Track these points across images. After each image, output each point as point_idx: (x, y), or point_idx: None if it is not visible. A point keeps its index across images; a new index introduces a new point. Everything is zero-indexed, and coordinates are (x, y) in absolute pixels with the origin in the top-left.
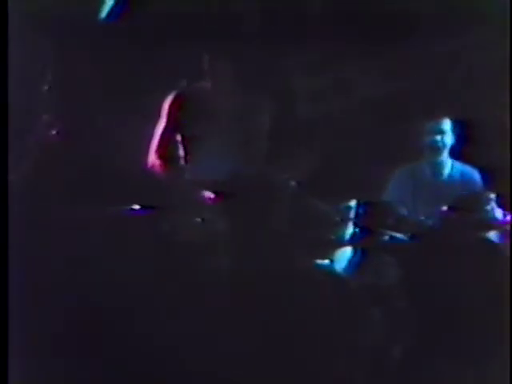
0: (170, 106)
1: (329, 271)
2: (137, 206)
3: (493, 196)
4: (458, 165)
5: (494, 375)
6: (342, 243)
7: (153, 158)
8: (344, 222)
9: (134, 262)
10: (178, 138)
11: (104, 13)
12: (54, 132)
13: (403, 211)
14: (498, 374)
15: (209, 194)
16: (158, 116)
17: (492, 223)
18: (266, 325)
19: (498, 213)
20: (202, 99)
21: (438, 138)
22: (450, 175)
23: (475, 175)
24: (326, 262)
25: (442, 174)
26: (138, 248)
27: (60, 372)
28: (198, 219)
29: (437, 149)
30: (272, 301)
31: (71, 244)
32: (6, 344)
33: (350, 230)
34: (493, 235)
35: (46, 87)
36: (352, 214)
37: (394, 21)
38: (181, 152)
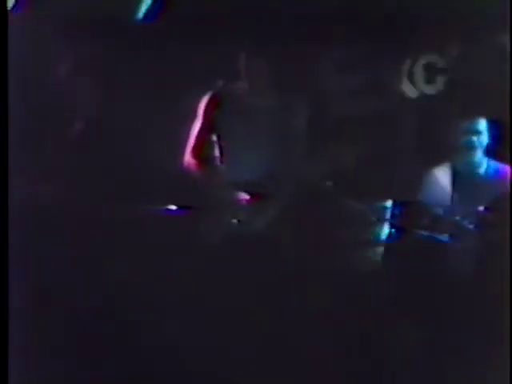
0: (206, 107)
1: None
2: (173, 207)
3: None
4: (494, 164)
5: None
6: (378, 243)
7: (189, 158)
8: (380, 222)
9: (169, 261)
10: (214, 138)
11: (141, 13)
12: (91, 133)
13: (439, 211)
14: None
15: (244, 195)
16: (194, 116)
17: None
18: (305, 323)
19: None
20: (238, 99)
21: (474, 138)
22: (486, 174)
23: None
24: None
25: (477, 174)
26: (174, 248)
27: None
28: (234, 220)
29: (472, 148)
30: (307, 300)
31: (106, 243)
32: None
33: (385, 229)
34: None
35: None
36: (388, 214)
37: (431, 22)
38: (216, 152)
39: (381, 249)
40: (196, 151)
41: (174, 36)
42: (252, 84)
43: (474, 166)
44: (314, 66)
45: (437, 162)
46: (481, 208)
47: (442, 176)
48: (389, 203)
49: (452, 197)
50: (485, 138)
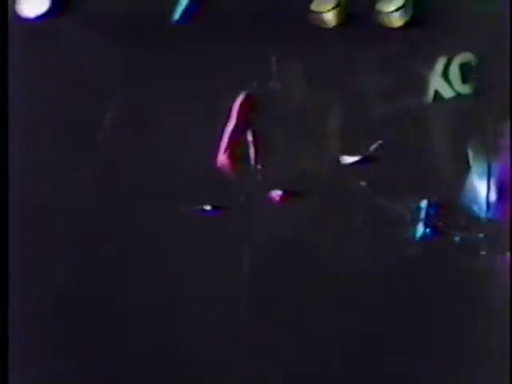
0: (241, 106)
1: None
2: (208, 207)
3: None
4: None
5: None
6: (413, 243)
7: (222, 158)
8: (414, 222)
9: (204, 262)
10: (249, 137)
11: (177, 15)
12: (128, 133)
13: (475, 212)
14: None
15: (278, 194)
16: (227, 116)
17: None
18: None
19: None
20: (273, 99)
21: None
22: None
23: None
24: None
25: None
26: (208, 248)
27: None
28: (267, 219)
29: (509, 149)
30: (343, 302)
31: (143, 244)
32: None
33: (420, 230)
34: None
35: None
36: (423, 215)
37: (468, 21)
38: (251, 151)
39: (416, 249)
40: (230, 151)
41: (208, 37)
42: (287, 83)
43: None
44: (350, 66)
45: (474, 161)
46: None
47: (480, 176)
48: (424, 203)
49: (488, 197)
50: None
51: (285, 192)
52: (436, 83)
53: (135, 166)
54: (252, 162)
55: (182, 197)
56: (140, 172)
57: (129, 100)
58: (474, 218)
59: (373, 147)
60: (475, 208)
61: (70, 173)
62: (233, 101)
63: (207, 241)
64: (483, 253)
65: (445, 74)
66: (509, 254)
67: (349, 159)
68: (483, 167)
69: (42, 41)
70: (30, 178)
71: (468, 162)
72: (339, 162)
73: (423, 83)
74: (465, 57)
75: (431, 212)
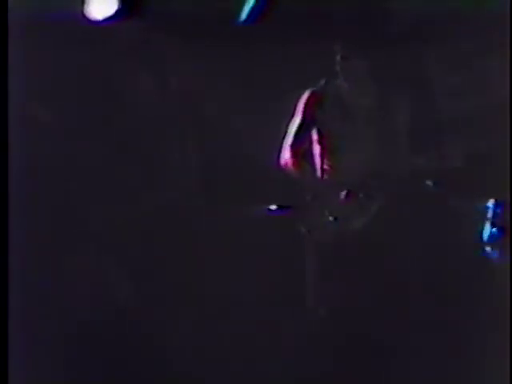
0: (306, 104)
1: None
2: (273, 206)
3: None
4: None
5: None
6: (479, 244)
7: (287, 156)
8: (481, 222)
9: (272, 261)
10: (314, 135)
11: (244, 15)
12: (192, 133)
13: None
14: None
15: (344, 193)
16: (292, 114)
17: None
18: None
19: None
20: (339, 97)
21: None
22: None
23: None
24: None
25: None
26: (274, 247)
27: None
28: (331, 218)
29: None
30: (409, 301)
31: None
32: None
33: (488, 229)
34: None
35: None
36: (490, 214)
37: None
38: (316, 150)
39: (484, 248)
40: (295, 149)
41: (273, 36)
42: (353, 81)
43: None
44: (416, 65)
45: None
46: None
47: None
48: (491, 203)
49: None
50: None
51: (352, 193)
52: (503, 82)
53: (200, 165)
54: (317, 160)
55: (247, 196)
56: (205, 172)
57: (195, 99)
58: None
59: (445, 146)
60: None
61: (112, 174)
62: (298, 98)
63: (273, 240)
64: None
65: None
66: None
67: (414, 158)
68: None
69: (108, 42)
70: (51, 178)
71: None
72: (406, 161)
73: (490, 83)
74: None
75: (499, 211)
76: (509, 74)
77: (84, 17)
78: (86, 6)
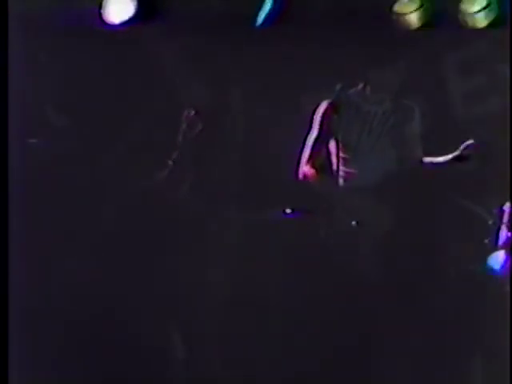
0: (323, 115)
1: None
2: (288, 210)
3: None
4: None
5: None
6: (494, 247)
7: (305, 169)
8: (497, 225)
9: (289, 262)
10: (332, 145)
11: (261, 18)
12: (212, 141)
13: None
14: None
15: (361, 198)
16: (309, 125)
17: None
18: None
19: None
20: (355, 105)
21: None
22: None
23: None
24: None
25: None
26: (293, 249)
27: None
28: (353, 222)
29: None
30: (427, 300)
31: (232, 244)
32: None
33: (503, 233)
34: None
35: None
36: (505, 218)
37: None
38: (334, 159)
39: (499, 252)
40: (313, 161)
41: (291, 40)
42: (369, 89)
43: None
44: (431, 69)
45: None
46: None
47: None
48: (507, 206)
49: None
50: None
51: (369, 198)
52: None
53: (217, 177)
54: (335, 171)
55: (266, 207)
56: (225, 179)
57: (212, 105)
58: None
59: (460, 149)
60: None
61: (117, 175)
62: (315, 108)
63: (289, 246)
64: None
65: None
66: None
67: (432, 160)
68: None
69: (123, 46)
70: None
71: None
72: (422, 163)
73: (504, 85)
74: None
75: None
76: (509, 77)
77: (100, 20)
78: (102, 10)
